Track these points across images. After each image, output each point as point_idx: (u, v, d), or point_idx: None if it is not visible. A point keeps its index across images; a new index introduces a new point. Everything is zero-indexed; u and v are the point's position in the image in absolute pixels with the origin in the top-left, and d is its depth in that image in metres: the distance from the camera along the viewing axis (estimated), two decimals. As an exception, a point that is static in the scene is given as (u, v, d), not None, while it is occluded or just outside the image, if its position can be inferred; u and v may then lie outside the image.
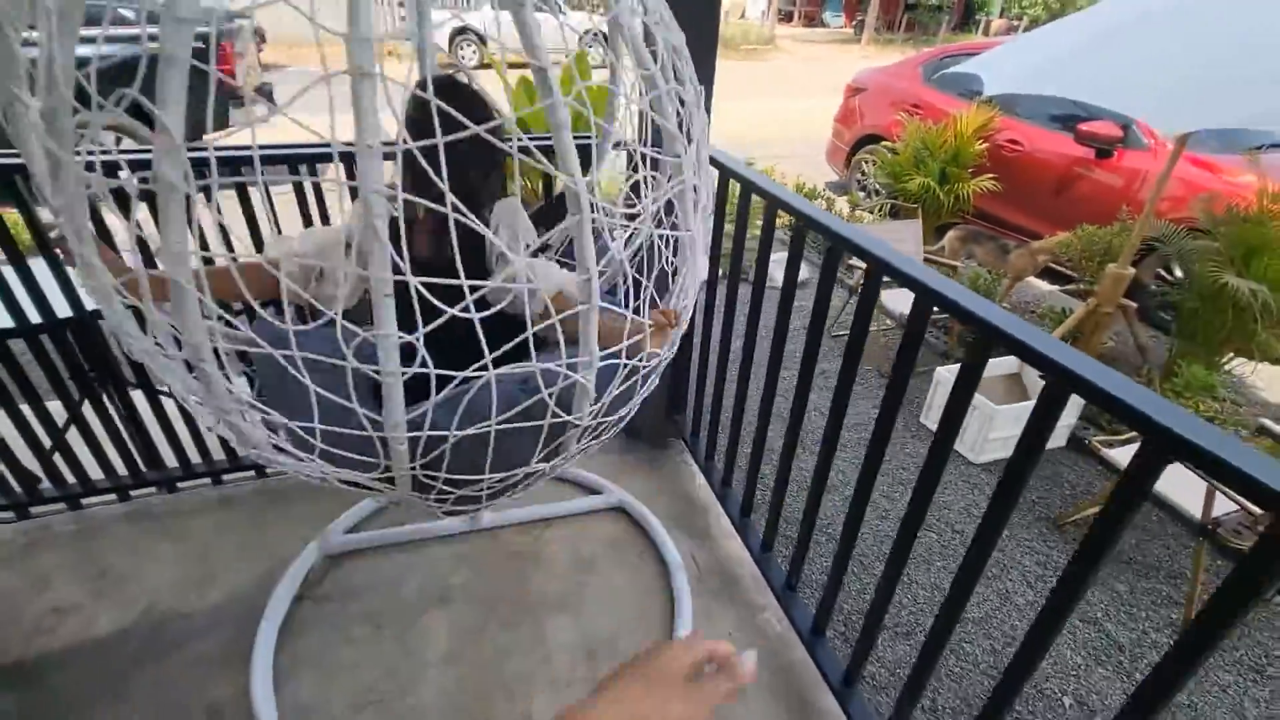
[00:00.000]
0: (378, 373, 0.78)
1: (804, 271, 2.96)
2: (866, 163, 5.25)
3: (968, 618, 1.88)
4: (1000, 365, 2.81)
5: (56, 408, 1.71)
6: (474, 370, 0.83)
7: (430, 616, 1.57)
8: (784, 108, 10.07)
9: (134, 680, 1.40)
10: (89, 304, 1.55)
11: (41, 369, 1.63)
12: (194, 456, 1.89)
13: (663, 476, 2.05)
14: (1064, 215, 3.79)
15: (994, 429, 2.50)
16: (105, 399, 1.72)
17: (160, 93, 0.59)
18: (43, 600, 1.57)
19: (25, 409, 1.65)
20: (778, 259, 2.24)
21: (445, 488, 1.02)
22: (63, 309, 1.55)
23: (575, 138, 0.80)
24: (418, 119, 0.87)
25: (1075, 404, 2.63)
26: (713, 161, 1.52)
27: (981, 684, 1.69)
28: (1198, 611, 0.83)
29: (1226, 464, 0.65)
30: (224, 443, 1.81)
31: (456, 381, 0.83)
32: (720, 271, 1.81)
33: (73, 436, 1.74)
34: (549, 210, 1.47)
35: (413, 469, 0.96)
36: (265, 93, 5.79)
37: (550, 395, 0.91)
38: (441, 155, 0.66)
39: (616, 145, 1.38)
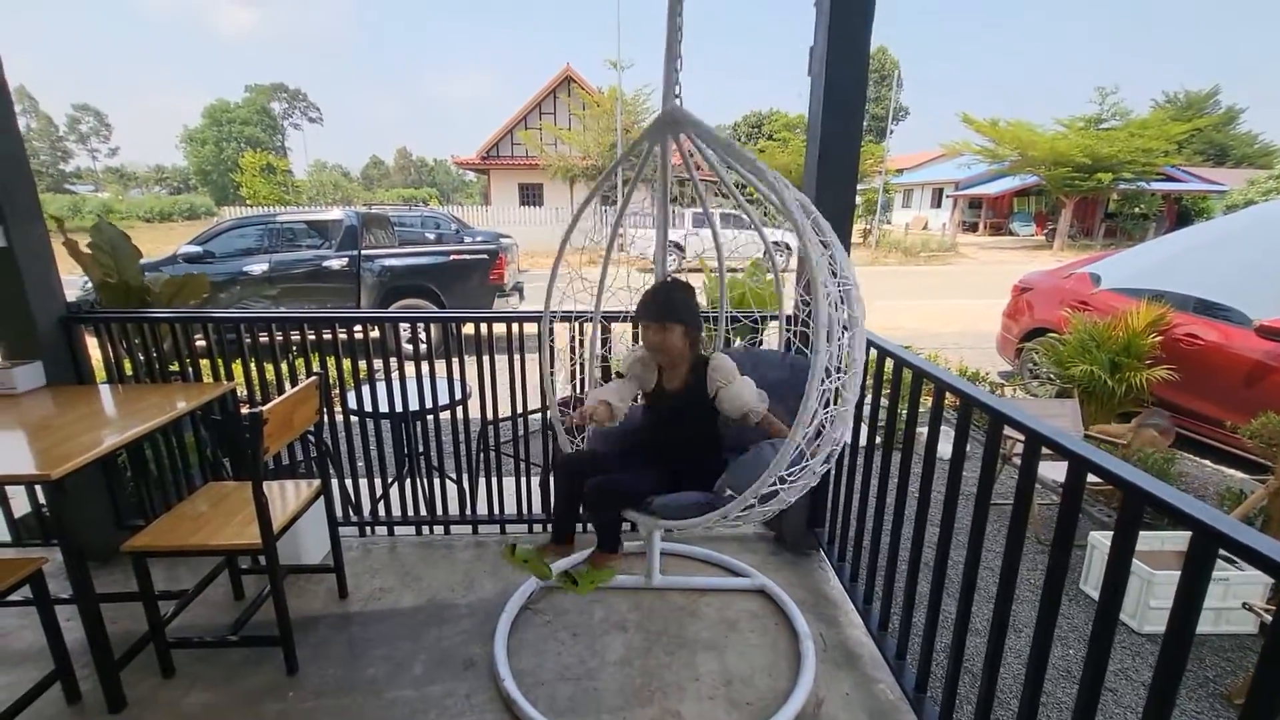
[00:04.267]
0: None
1: (949, 445, 3.28)
2: (1036, 352, 5.43)
3: (1108, 762, 1.89)
4: (1176, 539, 2.77)
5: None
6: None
7: (611, 635, 2.10)
8: (959, 306, 10.43)
9: (424, 634, 2.11)
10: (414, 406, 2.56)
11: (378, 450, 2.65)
12: (459, 512, 2.74)
13: (801, 574, 2.44)
14: (1259, 405, 3.65)
15: (1154, 596, 2.48)
16: (415, 472, 2.69)
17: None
18: (374, 581, 2.41)
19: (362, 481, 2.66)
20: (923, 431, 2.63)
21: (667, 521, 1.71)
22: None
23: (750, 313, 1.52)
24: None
25: (1264, 583, 2.51)
26: (872, 344, 1.97)
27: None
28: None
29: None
30: (472, 503, 2.65)
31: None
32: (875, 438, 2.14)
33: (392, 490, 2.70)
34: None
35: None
36: (518, 287, 7.95)
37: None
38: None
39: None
